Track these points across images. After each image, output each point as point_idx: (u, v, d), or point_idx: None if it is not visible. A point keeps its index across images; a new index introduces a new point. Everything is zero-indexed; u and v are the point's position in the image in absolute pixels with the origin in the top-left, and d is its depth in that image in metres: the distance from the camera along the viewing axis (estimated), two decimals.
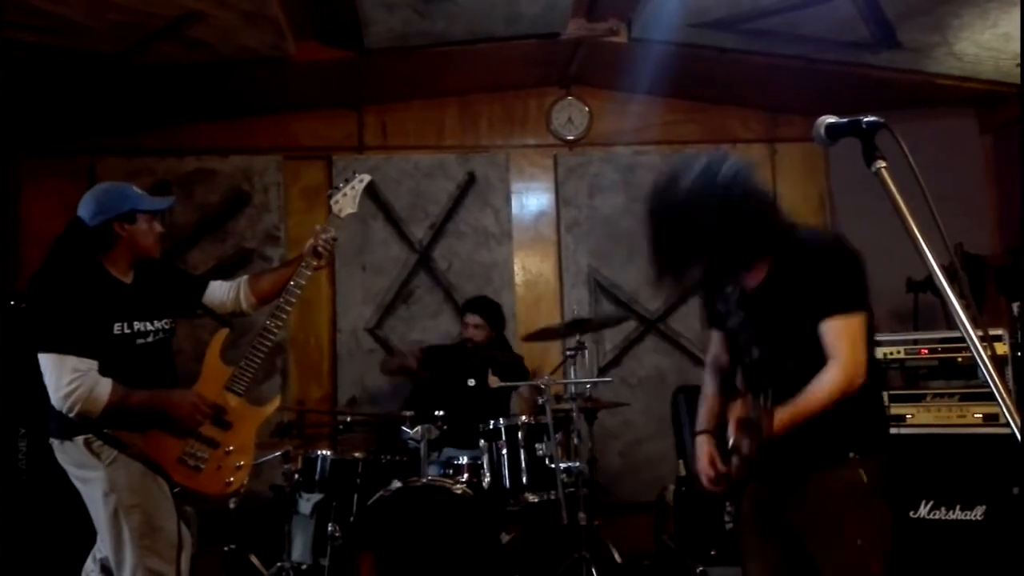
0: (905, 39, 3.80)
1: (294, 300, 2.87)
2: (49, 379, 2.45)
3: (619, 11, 4.05)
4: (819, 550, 2.05)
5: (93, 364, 2.49)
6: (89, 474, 2.53)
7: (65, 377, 2.44)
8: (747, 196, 2.02)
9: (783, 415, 1.92)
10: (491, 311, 4.30)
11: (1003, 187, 4.53)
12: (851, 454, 2.04)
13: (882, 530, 2.05)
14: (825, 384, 1.95)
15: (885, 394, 3.84)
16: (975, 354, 1.22)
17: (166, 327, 2.73)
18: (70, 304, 2.51)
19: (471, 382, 4.18)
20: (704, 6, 3.70)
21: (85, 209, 2.61)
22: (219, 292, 2.95)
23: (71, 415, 2.45)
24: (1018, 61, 3.87)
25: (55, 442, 2.57)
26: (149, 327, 2.66)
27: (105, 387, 2.48)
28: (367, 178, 3.08)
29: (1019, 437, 1.13)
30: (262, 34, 3.62)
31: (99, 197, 2.64)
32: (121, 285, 2.65)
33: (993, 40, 3.69)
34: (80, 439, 2.51)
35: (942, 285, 1.29)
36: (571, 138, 4.92)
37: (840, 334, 1.96)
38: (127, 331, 2.60)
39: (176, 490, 2.59)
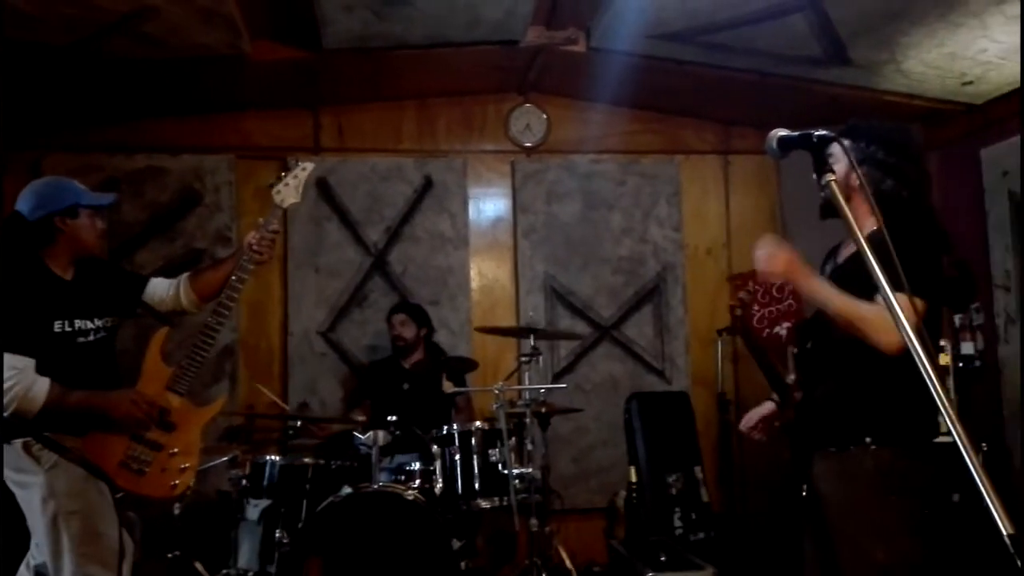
0: (855, 56, 3.89)
1: (236, 296, 2.78)
2: None
3: (579, 20, 4.07)
4: (833, 529, 2.13)
5: (30, 362, 2.42)
6: (27, 479, 2.45)
7: (6, 373, 2.35)
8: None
9: (816, 283, 2.07)
10: (414, 309, 4.40)
11: (948, 202, 4.65)
12: (867, 439, 2.08)
13: (891, 525, 2.06)
14: (860, 306, 1.98)
15: None
16: (919, 365, 1.25)
17: (108, 325, 2.67)
18: (7, 300, 2.42)
19: (405, 386, 4.21)
20: (662, 18, 3.74)
21: (25, 203, 2.54)
22: (159, 290, 2.87)
23: (5, 415, 2.36)
24: (963, 80, 3.99)
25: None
26: (90, 325, 2.60)
27: (42, 386, 2.41)
28: (310, 166, 2.95)
29: (960, 445, 1.16)
30: (217, 32, 3.56)
31: (40, 191, 2.58)
32: (61, 282, 2.59)
33: (939, 59, 3.80)
34: (18, 443, 2.43)
35: (887, 296, 1.32)
36: (529, 145, 4.94)
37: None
38: (67, 329, 2.54)
39: (119, 495, 2.49)
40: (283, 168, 4.59)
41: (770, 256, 2.11)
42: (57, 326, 2.51)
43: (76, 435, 2.48)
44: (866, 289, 1.98)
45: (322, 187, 4.70)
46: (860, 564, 2.08)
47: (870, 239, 1.36)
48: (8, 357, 2.38)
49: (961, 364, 4.00)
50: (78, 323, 2.56)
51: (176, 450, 2.64)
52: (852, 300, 2.03)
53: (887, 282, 1.32)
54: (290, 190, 2.90)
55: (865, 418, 2.09)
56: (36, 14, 3.25)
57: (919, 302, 1.89)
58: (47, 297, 2.52)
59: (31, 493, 2.45)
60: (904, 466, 2.10)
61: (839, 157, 2.07)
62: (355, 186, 4.74)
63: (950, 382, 3.78)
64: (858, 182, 2.03)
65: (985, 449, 3.55)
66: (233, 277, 2.76)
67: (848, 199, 2.12)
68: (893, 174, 2.12)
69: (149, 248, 4.51)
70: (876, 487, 2.08)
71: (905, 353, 1.87)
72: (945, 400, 1.20)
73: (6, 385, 2.36)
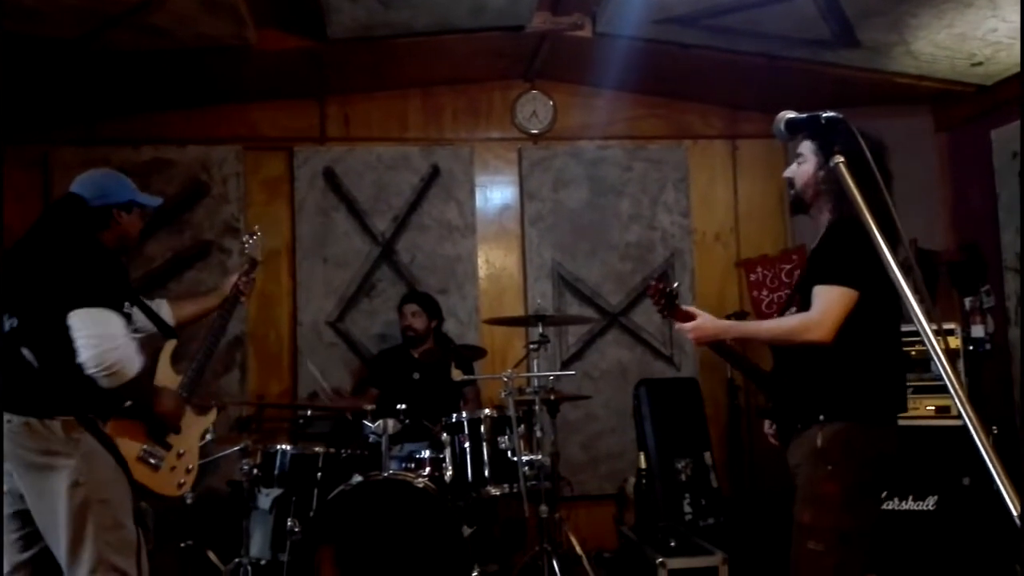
0: (864, 38, 3.85)
1: (228, 320, 3.25)
2: (89, 333, 2.30)
3: (584, 5, 4.04)
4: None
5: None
6: (57, 461, 2.33)
7: (112, 330, 2.34)
8: None
9: (740, 328, 2.43)
10: (426, 299, 4.38)
11: (957, 184, 4.62)
12: (820, 416, 2.24)
13: (828, 502, 2.20)
14: (783, 322, 2.30)
15: None
16: (929, 347, 1.24)
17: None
18: (103, 267, 2.47)
19: (415, 375, 4.21)
20: (668, 2, 3.71)
21: (85, 189, 2.60)
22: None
23: (103, 372, 2.29)
24: (973, 61, 3.96)
25: (26, 420, 2.33)
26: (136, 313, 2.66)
27: (140, 356, 2.42)
28: (259, 235, 3.53)
29: (970, 428, 1.15)
30: (222, 22, 3.56)
31: (103, 181, 2.66)
32: (123, 266, 2.65)
33: (949, 40, 3.77)
34: (58, 421, 2.33)
35: (897, 280, 1.31)
36: (535, 132, 4.92)
37: (818, 296, 2.20)
38: (126, 312, 2.53)
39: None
40: (289, 158, 4.67)
41: (695, 329, 2.40)
42: (126, 307, 2.52)
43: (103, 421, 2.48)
44: (821, 276, 2.22)
45: (329, 177, 4.70)
46: (793, 527, 2.26)
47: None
48: (116, 317, 2.38)
49: (971, 347, 3.97)
50: (130, 309, 2.58)
51: (183, 451, 2.81)
52: (773, 322, 2.39)
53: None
54: (256, 249, 3.46)
55: (817, 396, 2.26)
56: (41, 8, 3.25)
57: (848, 291, 2.15)
58: (120, 277, 2.55)
59: (57, 477, 2.33)
60: (849, 439, 2.21)
61: (808, 157, 2.33)
62: (362, 175, 4.74)
63: (960, 365, 3.76)
64: (822, 176, 2.28)
65: (996, 432, 3.53)
66: (223, 312, 3.18)
67: (817, 195, 2.33)
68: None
69: (157, 240, 4.52)
70: (817, 457, 2.23)
71: (850, 335, 2.13)
72: (956, 382, 1.20)
73: (116, 343, 2.32)
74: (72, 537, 2.34)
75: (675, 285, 2.52)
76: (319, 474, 3.49)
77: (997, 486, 1.11)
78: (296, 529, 3.33)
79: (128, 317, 2.52)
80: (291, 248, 4.67)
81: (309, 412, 3.92)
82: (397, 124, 4.85)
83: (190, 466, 2.85)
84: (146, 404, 2.65)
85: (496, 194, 4.93)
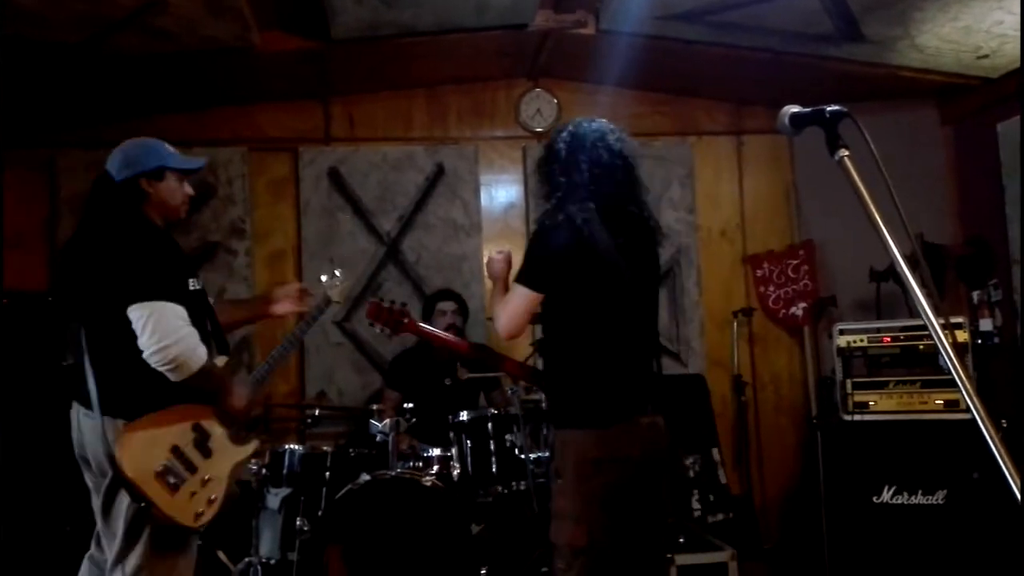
0: (868, 32, 3.84)
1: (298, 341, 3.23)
2: (151, 328, 2.23)
3: (587, 2, 4.04)
4: None
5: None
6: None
7: (174, 323, 2.25)
8: None
9: (502, 285, 2.51)
10: (462, 299, 4.35)
11: (963, 178, 4.61)
12: (558, 420, 2.30)
13: (561, 517, 2.18)
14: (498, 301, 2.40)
15: (848, 381, 3.91)
16: (937, 341, 1.24)
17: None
18: (154, 252, 2.34)
19: (447, 381, 4.17)
20: None
21: (113, 163, 2.47)
22: None
23: (167, 368, 2.25)
24: (978, 54, 3.94)
25: (95, 418, 2.32)
26: (199, 285, 2.51)
27: (204, 346, 2.32)
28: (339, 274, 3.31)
29: (979, 422, 1.15)
30: (226, 24, 3.56)
31: (128, 151, 2.50)
32: (174, 243, 2.50)
33: (954, 33, 3.75)
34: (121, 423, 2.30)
35: (904, 274, 1.31)
36: (540, 130, 4.92)
37: (506, 297, 2.37)
38: (197, 287, 2.44)
39: (143, 504, 2.29)
40: (294, 159, 4.67)
41: (490, 263, 2.56)
42: (192, 284, 2.42)
43: (126, 418, 2.33)
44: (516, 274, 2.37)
45: (334, 177, 4.70)
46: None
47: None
48: (176, 307, 2.27)
49: (980, 341, 3.97)
50: (196, 284, 2.46)
51: (209, 477, 2.44)
52: (498, 293, 2.46)
53: None
54: (336, 290, 3.20)
55: (550, 403, 2.36)
56: (46, 12, 3.26)
57: (528, 292, 2.25)
58: (177, 254, 2.44)
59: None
60: (573, 445, 2.19)
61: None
62: (367, 175, 4.75)
63: (969, 359, 3.76)
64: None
65: (1005, 425, 3.52)
66: (299, 331, 3.02)
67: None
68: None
69: None
70: (552, 471, 2.26)
71: (562, 340, 2.29)
72: (964, 376, 1.20)
73: (179, 335, 2.25)
74: (123, 546, 2.32)
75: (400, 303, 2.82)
76: (327, 473, 3.50)
77: (1007, 480, 1.10)
78: (305, 528, 3.34)
79: (195, 296, 2.40)
80: (297, 249, 4.68)
81: (317, 412, 3.92)
82: (401, 124, 4.85)
83: (213, 496, 2.44)
84: (217, 398, 2.48)
85: (501, 193, 4.93)
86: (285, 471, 3.52)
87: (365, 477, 3.30)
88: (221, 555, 3.71)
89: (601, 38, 4.19)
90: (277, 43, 3.94)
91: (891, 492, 3.69)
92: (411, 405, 3.60)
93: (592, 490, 2.13)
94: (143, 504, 2.29)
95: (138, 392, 2.33)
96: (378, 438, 3.60)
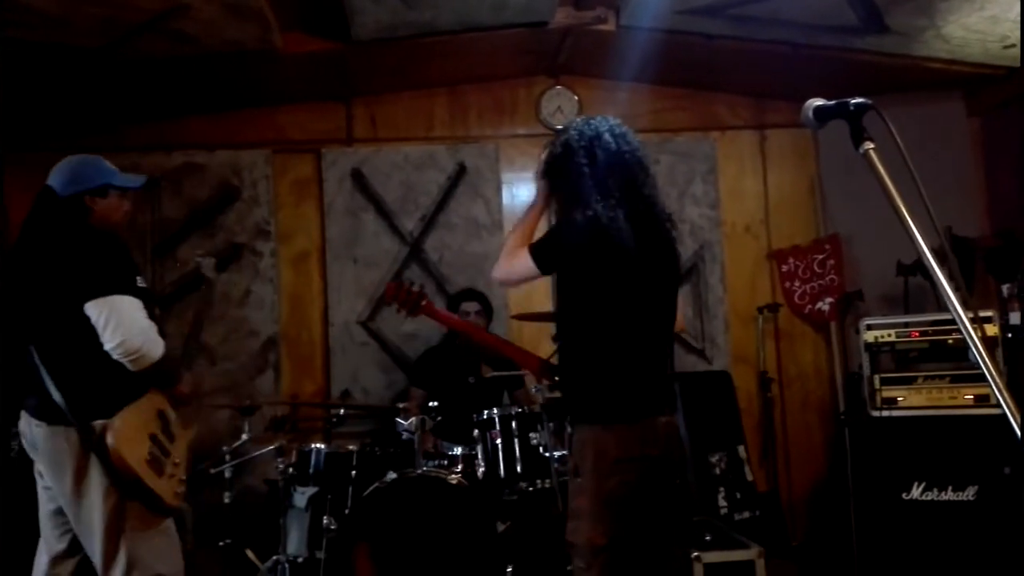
0: (893, 23, 3.80)
1: None
2: (114, 322, 2.31)
3: None
4: None
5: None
6: (90, 466, 2.37)
7: (133, 315, 2.34)
8: None
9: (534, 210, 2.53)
10: (486, 299, 4.34)
11: (991, 169, 4.54)
12: (574, 415, 2.29)
13: (580, 516, 2.14)
14: (512, 239, 2.43)
15: (876, 377, 3.87)
16: (966, 336, 1.22)
17: None
18: (103, 251, 2.42)
19: (471, 379, 4.18)
20: None
21: (57, 178, 2.54)
22: None
23: (129, 359, 2.33)
24: (1005, 43, 3.88)
25: (56, 428, 2.37)
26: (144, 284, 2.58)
27: (160, 337, 2.40)
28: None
29: (1010, 417, 1.14)
30: (248, 26, 3.59)
31: (74, 168, 2.57)
32: (121, 244, 2.56)
33: (980, 23, 3.70)
34: (99, 423, 2.36)
35: (932, 268, 1.29)
36: (561, 127, 4.89)
37: (515, 251, 2.35)
38: (143, 285, 2.50)
39: (129, 492, 2.40)
40: (317, 160, 4.70)
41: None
42: (139, 281, 2.48)
43: (105, 416, 2.39)
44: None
45: (357, 178, 4.73)
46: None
47: None
48: (137, 302, 2.36)
49: (1009, 335, 3.90)
50: (140, 280, 2.52)
51: (178, 460, 2.58)
52: (520, 229, 2.44)
53: None
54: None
55: (568, 398, 2.30)
56: (69, 17, 3.30)
57: (535, 268, 2.27)
58: (125, 253, 2.50)
59: (89, 484, 2.38)
60: (593, 443, 2.16)
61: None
62: (389, 176, 4.77)
63: (999, 353, 3.70)
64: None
65: None
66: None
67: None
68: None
69: (190, 243, 4.58)
70: (572, 469, 2.23)
71: (580, 334, 2.25)
72: (994, 371, 1.18)
73: (141, 328, 2.33)
74: (106, 543, 2.38)
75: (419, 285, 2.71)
76: (353, 472, 3.51)
77: None
78: (332, 526, 3.36)
79: (143, 292, 2.47)
80: (321, 249, 4.71)
81: (343, 411, 3.95)
82: (423, 123, 4.87)
83: (183, 476, 2.60)
84: (170, 386, 2.59)
85: (523, 191, 4.92)
86: (311, 470, 3.55)
87: (392, 475, 3.31)
88: (250, 553, 3.75)
89: (621, 34, 4.18)
90: (298, 45, 3.97)
91: (920, 488, 3.65)
92: (435, 403, 3.61)
93: (611, 489, 2.11)
94: (133, 491, 2.38)
95: (108, 389, 2.40)
96: (404, 436, 3.62)
